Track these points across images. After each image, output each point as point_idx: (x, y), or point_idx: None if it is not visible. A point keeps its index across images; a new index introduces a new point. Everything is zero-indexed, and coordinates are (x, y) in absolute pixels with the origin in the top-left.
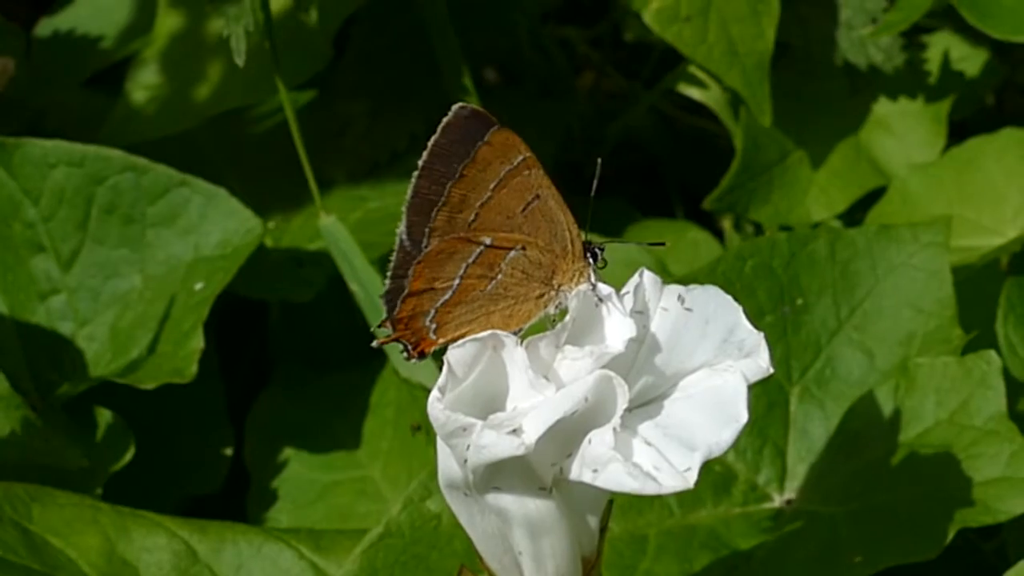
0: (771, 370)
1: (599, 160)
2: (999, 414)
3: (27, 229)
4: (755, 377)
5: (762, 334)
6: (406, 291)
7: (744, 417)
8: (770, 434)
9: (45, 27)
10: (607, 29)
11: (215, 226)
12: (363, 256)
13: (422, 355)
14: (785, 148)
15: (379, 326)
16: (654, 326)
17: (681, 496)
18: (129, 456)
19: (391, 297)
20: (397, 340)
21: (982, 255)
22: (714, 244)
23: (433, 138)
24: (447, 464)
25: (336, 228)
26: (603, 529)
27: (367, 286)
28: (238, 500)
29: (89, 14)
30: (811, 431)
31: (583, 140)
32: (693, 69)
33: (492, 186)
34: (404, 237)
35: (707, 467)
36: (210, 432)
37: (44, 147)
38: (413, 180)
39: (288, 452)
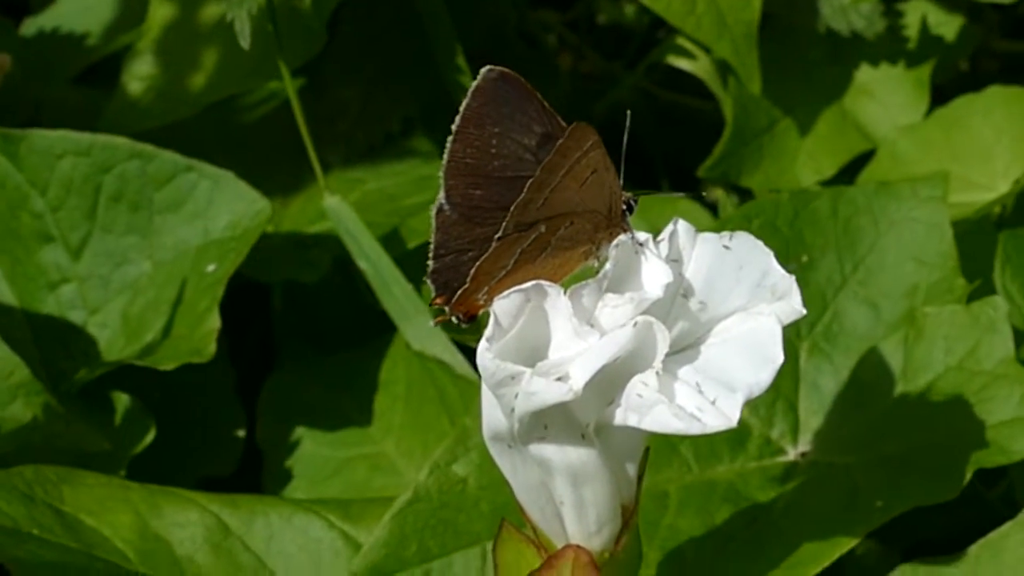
0: (803, 311)
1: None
2: (1008, 358)
3: (35, 220)
4: (788, 319)
5: (793, 277)
6: (466, 287)
7: (780, 358)
8: (782, 389)
9: (30, 26)
10: (582, 12)
11: (223, 209)
12: (370, 234)
13: (472, 319)
14: (773, 116)
15: (430, 305)
16: (689, 273)
17: (698, 452)
18: (150, 438)
19: (437, 276)
20: (453, 317)
21: (977, 209)
22: (703, 214)
23: (464, 102)
24: (492, 415)
25: (341, 207)
26: (640, 477)
27: (375, 263)
28: (252, 480)
29: (73, 12)
30: (822, 385)
31: (568, 120)
32: (681, 41)
33: (562, 173)
34: (443, 202)
35: None
36: (222, 414)
37: (50, 138)
38: (448, 145)
39: (301, 431)
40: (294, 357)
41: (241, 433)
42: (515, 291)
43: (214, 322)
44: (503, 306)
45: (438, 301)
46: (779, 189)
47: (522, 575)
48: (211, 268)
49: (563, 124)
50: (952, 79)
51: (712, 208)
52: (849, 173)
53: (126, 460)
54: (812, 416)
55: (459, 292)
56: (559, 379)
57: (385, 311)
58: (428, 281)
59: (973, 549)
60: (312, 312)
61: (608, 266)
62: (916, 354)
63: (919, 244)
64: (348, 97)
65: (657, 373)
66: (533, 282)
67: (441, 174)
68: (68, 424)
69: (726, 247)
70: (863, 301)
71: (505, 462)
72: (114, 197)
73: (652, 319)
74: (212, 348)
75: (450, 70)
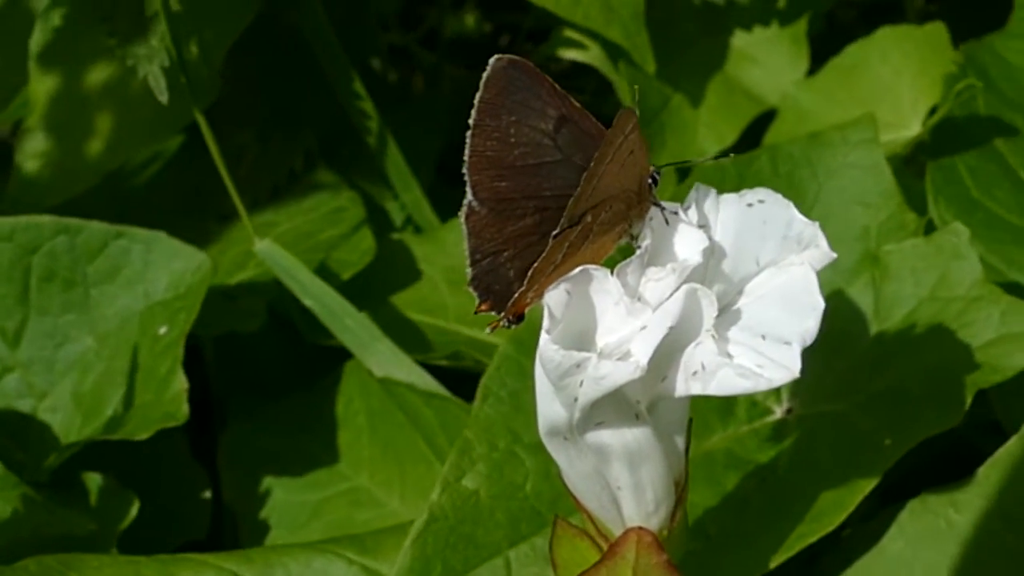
0: (834, 255)
1: None
2: (979, 280)
3: None
4: (820, 264)
5: (817, 224)
6: (523, 288)
7: (821, 304)
8: None
9: None
10: (427, 29)
11: (160, 270)
12: (309, 271)
13: (521, 319)
14: (665, 94)
15: (476, 312)
16: (718, 235)
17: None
18: (134, 511)
19: (478, 283)
20: (503, 321)
21: (903, 146)
22: None
23: (478, 95)
24: (550, 409)
25: (274, 250)
26: (687, 450)
27: (322, 299)
28: (229, 539)
29: None
30: None
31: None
32: (569, 33)
33: (608, 161)
34: (472, 199)
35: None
36: (183, 479)
37: None
38: (468, 140)
39: (269, 481)
40: (242, 410)
41: (208, 494)
42: (564, 280)
43: (180, 383)
44: (555, 297)
45: (484, 307)
46: (687, 161)
47: (582, 568)
48: (163, 331)
49: (577, 105)
50: (817, 34)
51: None
52: (752, 137)
53: (114, 537)
54: None
55: (515, 295)
56: (620, 360)
57: (331, 347)
58: (470, 288)
59: (981, 471)
60: (248, 362)
61: (646, 240)
62: (886, 292)
63: (861, 187)
64: (244, 141)
65: (713, 337)
66: (579, 268)
67: (464, 171)
68: (50, 512)
69: (749, 205)
70: None
71: (561, 456)
72: (45, 277)
73: (696, 286)
74: (185, 409)
75: (348, 97)
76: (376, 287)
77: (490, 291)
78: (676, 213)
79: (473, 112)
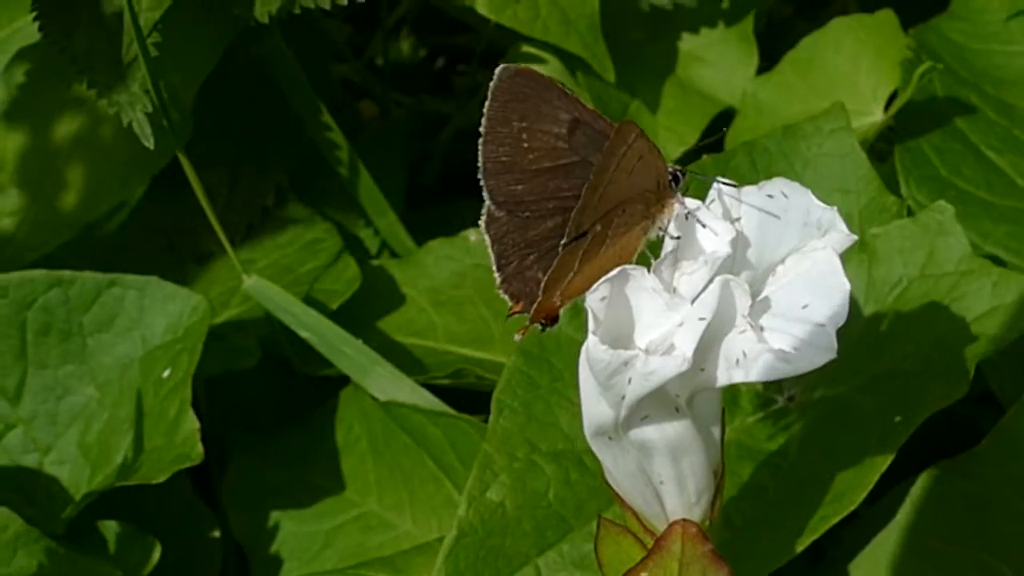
0: (855, 237)
1: None
2: (967, 255)
3: None
4: (842, 247)
5: (835, 208)
6: (540, 299)
7: (847, 285)
8: None
9: None
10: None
11: (156, 315)
12: (302, 303)
13: (555, 320)
14: (623, 100)
15: (507, 317)
16: (742, 227)
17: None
18: (156, 555)
19: (507, 287)
20: (536, 324)
21: (869, 131)
22: None
23: (487, 104)
24: (597, 410)
25: (263, 285)
26: (722, 439)
27: (317, 330)
28: None
29: None
30: None
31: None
32: (527, 48)
33: (613, 168)
34: (489, 204)
35: None
36: (190, 521)
37: None
38: (481, 148)
39: (276, 515)
40: (241, 447)
41: (216, 534)
42: (603, 282)
43: (192, 423)
44: (596, 299)
45: (516, 309)
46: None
47: (627, 566)
48: (166, 374)
49: (589, 107)
50: (758, 32)
51: None
52: (712, 135)
53: None
54: None
55: (535, 304)
56: (665, 354)
57: (322, 377)
58: (500, 292)
59: (988, 439)
60: (240, 399)
61: (675, 235)
62: (876, 275)
63: (838, 175)
64: (215, 182)
65: (750, 324)
66: (618, 269)
67: (480, 178)
68: (74, 563)
69: (769, 195)
70: None
71: (607, 456)
72: (41, 331)
73: (730, 276)
74: (199, 449)
75: (318, 129)
76: (362, 314)
77: (521, 294)
78: (700, 207)
79: (483, 121)
